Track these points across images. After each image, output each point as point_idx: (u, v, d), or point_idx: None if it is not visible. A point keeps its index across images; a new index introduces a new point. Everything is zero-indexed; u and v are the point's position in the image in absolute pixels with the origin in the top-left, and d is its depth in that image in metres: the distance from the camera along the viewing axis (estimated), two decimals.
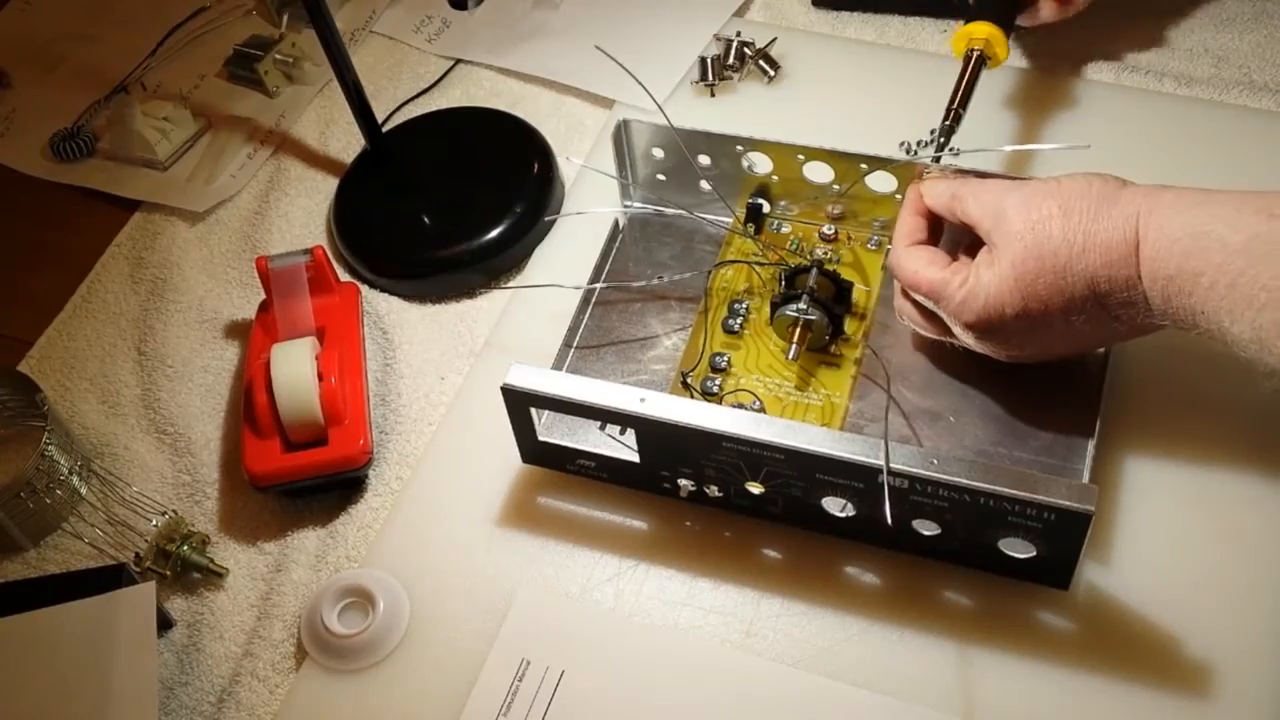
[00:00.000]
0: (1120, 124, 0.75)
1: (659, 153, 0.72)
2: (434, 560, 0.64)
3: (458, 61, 0.88)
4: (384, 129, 0.82)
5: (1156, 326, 0.57)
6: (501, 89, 0.86)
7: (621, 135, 0.72)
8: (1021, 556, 0.56)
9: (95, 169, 0.86)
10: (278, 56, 0.88)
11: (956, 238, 0.64)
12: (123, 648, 0.59)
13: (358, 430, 0.66)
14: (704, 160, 0.71)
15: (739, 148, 0.70)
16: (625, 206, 0.74)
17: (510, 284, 0.75)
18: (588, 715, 0.58)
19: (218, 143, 0.87)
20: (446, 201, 0.78)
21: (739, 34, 0.82)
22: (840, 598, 0.60)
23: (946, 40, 0.82)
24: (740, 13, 0.86)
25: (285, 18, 0.84)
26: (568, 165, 0.80)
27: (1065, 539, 0.54)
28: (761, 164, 0.70)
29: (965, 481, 0.53)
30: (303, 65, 0.89)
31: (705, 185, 0.72)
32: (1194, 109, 0.76)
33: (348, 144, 0.85)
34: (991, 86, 0.78)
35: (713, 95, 0.81)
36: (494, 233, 0.75)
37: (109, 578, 0.62)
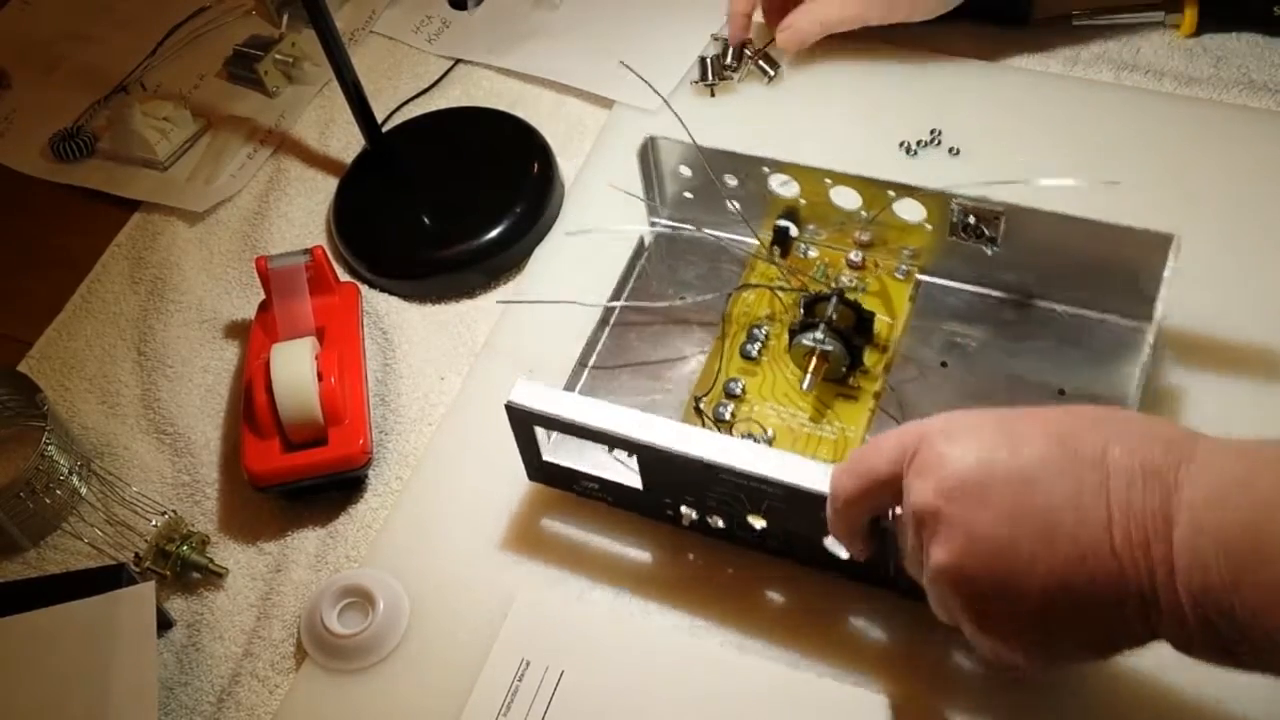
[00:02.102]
0: (1120, 124, 0.75)
1: (686, 170, 0.69)
2: (434, 560, 0.64)
3: (457, 61, 0.88)
4: (384, 129, 0.82)
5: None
6: (501, 89, 0.86)
7: (649, 153, 0.69)
8: None
9: (95, 169, 0.86)
10: (278, 56, 0.88)
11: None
12: (123, 648, 0.59)
13: (357, 430, 0.66)
14: (730, 180, 0.68)
15: (765, 169, 0.67)
16: (652, 224, 0.72)
17: (526, 298, 0.73)
18: (588, 715, 0.58)
19: (218, 143, 0.87)
20: (446, 201, 0.78)
21: None
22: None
23: (946, 40, 0.82)
24: None
25: (285, 18, 0.84)
26: (567, 165, 0.80)
27: None
28: (789, 186, 0.67)
29: None
30: (303, 65, 0.89)
31: (731, 205, 0.69)
32: (1194, 109, 0.76)
33: (348, 144, 0.85)
34: (991, 86, 0.78)
35: (713, 95, 0.81)
36: (494, 233, 0.75)
37: (109, 578, 0.62)
